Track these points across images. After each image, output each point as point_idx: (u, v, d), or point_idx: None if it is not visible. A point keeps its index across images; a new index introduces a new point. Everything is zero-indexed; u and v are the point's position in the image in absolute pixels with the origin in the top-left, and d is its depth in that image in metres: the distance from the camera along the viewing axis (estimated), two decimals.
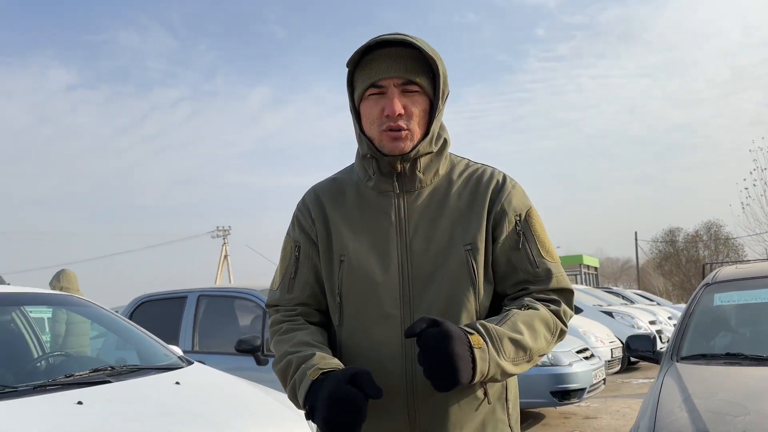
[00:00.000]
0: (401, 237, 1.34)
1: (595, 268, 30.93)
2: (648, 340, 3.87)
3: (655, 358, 3.81)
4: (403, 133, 1.31)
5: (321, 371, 1.20)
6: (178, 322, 5.54)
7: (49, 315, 4.75)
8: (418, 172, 1.35)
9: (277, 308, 1.44)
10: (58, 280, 5.44)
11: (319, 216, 1.40)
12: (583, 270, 28.06)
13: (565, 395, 6.12)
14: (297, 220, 1.44)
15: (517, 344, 1.23)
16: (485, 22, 77.71)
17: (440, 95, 1.34)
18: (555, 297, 1.34)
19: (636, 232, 40.34)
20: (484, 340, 1.18)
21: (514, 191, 1.39)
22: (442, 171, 1.40)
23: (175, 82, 71.65)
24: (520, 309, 1.29)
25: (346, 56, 1.33)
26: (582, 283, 26.01)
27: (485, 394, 1.31)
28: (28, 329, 3.95)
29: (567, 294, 1.36)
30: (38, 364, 3.59)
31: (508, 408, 1.37)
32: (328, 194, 1.43)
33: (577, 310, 10.93)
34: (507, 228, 1.35)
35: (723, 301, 3.81)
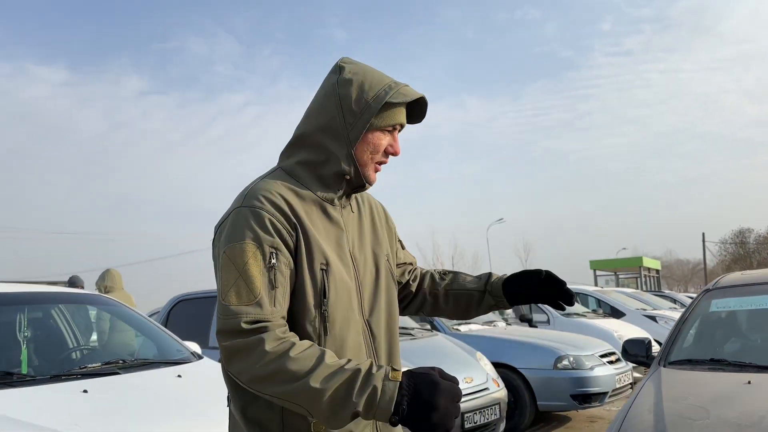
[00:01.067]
0: (349, 248, 1.48)
1: (657, 271, 29.87)
2: (642, 345, 3.91)
3: (648, 362, 3.86)
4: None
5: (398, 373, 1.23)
6: (209, 320, 5.88)
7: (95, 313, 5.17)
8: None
9: (266, 325, 1.26)
10: (102, 279, 5.86)
11: (296, 222, 1.38)
12: (644, 272, 27.16)
13: (586, 399, 6.13)
14: (272, 224, 1.33)
15: None
16: (548, 17, 76.20)
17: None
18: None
19: (703, 234, 38.87)
20: None
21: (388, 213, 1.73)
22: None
23: (241, 87, 73.73)
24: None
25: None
26: (641, 287, 25.26)
27: None
28: (66, 325, 4.35)
29: None
30: (71, 355, 3.98)
31: None
32: (295, 200, 1.41)
33: (620, 314, 10.79)
34: (396, 239, 1.72)
35: (719, 307, 3.81)
